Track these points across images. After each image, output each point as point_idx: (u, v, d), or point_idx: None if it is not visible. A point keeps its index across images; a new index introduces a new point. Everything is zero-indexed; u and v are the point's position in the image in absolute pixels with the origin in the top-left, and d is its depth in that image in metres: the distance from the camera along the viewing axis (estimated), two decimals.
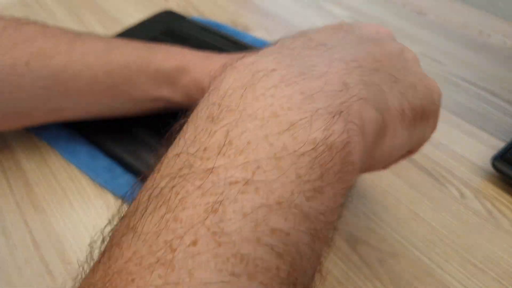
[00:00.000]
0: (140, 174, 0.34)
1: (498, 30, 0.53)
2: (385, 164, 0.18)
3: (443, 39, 0.52)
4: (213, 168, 0.11)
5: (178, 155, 0.12)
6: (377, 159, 0.16)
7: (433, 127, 0.20)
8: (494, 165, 0.34)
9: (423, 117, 0.18)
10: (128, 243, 0.10)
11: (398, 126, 0.16)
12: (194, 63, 0.28)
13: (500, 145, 0.38)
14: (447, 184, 0.35)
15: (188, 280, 0.10)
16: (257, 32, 0.53)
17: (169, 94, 0.29)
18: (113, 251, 0.10)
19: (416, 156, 0.37)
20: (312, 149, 0.12)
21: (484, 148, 0.38)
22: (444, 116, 0.41)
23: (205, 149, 0.12)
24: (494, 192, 0.34)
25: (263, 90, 0.13)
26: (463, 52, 0.50)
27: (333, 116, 0.13)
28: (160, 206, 0.11)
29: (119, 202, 0.33)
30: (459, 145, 0.38)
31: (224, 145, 0.12)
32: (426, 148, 0.38)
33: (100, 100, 0.30)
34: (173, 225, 0.10)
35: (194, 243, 0.10)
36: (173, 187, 0.11)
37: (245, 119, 0.12)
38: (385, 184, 0.35)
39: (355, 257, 0.30)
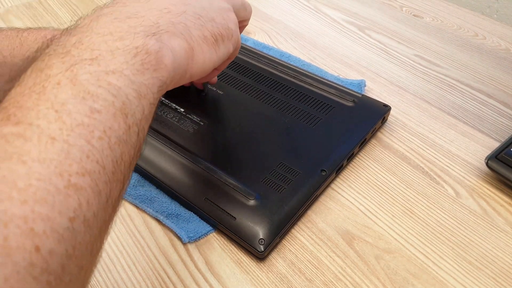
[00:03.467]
0: (142, 171, 0.35)
1: (493, 33, 0.54)
2: (203, 70, 0.27)
3: (439, 41, 0.53)
4: (69, 51, 0.19)
5: (48, 48, 0.20)
6: (195, 68, 0.26)
7: (235, 44, 0.29)
8: (488, 165, 0.35)
9: (223, 39, 0.28)
10: (26, 81, 0.18)
11: (204, 47, 0.26)
12: None
13: (494, 145, 0.39)
14: (443, 183, 0.35)
15: (53, 98, 0.17)
16: (258, 36, 0.54)
17: None
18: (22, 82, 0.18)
19: (413, 155, 0.38)
20: (135, 48, 0.21)
21: (479, 148, 0.39)
22: (439, 117, 0.42)
23: (64, 45, 0.20)
24: (489, 191, 0.35)
25: (103, 22, 0.21)
26: (458, 54, 0.50)
27: (147, 36, 0.22)
28: (41, 64, 0.19)
29: (124, 201, 0.34)
30: (454, 144, 0.39)
31: (76, 42, 0.20)
32: (422, 148, 0.39)
33: None
34: (44, 74, 0.18)
35: (58, 83, 0.18)
36: (43, 60, 0.19)
37: (91, 34, 0.20)
38: (381, 182, 0.36)
39: (352, 253, 0.31)
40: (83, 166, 0.16)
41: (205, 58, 0.26)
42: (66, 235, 0.15)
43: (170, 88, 0.24)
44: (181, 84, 0.26)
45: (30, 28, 0.35)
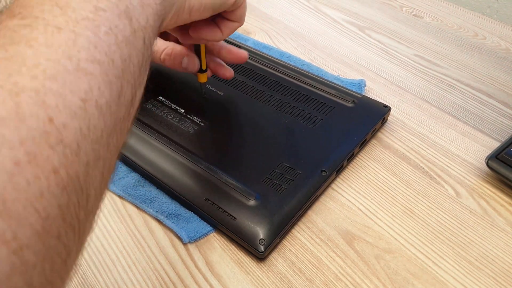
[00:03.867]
0: (142, 171, 0.35)
1: (493, 32, 0.54)
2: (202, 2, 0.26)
3: (439, 41, 0.53)
4: None
5: None
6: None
7: None
8: (489, 164, 0.35)
9: None
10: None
11: None
12: None
13: (494, 144, 0.39)
14: (443, 183, 0.35)
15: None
16: (258, 36, 0.54)
17: None
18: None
19: (413, 155, 0.38)
20: None
21: (479, 148, 0.39)
22: (439, 117, 0.42)
23: None
24: (489, 191, 0.35)
25: None
26: (458, 54, 0.50)
27: None
28: None
29: (124, 201, 0.34)
30: (454, 144, 0.39)
31: None
32: (422, 148, 0.39)
33: None
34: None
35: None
36: None
37: None
38: (381, 182, 0.36)
39: (352, 253, 0.31)
40: (92, 54, 0.16)
41: None
42: (79, 114, 0.15)
43: (172, 13, 0.23)
44: (181, 19, 0.25)
45: None
